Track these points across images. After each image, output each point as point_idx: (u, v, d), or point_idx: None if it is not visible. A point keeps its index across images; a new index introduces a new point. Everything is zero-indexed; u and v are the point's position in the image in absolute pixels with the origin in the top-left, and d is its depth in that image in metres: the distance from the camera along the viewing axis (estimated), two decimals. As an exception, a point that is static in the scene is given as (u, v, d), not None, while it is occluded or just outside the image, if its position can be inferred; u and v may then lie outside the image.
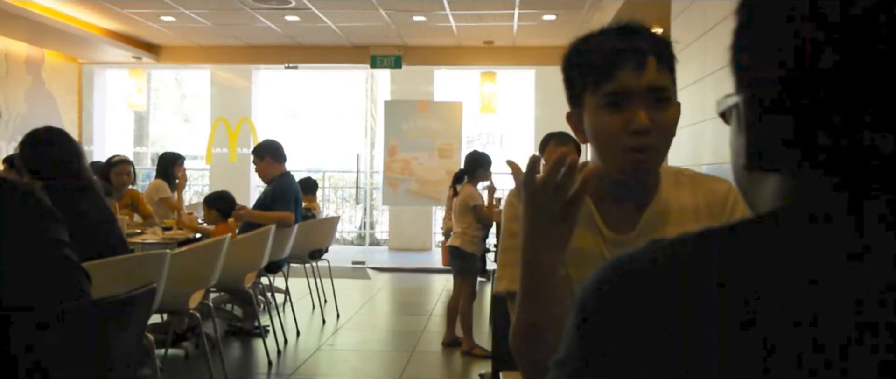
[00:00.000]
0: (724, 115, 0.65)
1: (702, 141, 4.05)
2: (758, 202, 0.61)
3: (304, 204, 5.90)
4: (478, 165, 4.96)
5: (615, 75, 1.15)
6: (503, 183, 5.90)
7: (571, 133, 1.27)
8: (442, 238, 7.82)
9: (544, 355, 1.07)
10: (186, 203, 6.88)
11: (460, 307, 4.89)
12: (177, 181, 6.26)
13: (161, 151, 6.85)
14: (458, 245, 4.84)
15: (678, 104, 1.19)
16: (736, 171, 0.63)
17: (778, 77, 0.54)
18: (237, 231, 4.99)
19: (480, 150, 5.19)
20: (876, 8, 0.50)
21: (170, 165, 6.23)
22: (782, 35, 0.54)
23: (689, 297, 0.50)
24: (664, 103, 1.16)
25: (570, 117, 1.25)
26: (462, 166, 5.26)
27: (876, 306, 0.46)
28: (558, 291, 1.08)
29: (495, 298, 2.13)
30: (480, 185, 5.02)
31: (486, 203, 4.91)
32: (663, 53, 1.17)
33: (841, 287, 0.47)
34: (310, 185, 7.00)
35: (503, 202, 1.40)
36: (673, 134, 1.19)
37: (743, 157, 0.59)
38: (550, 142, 3.70)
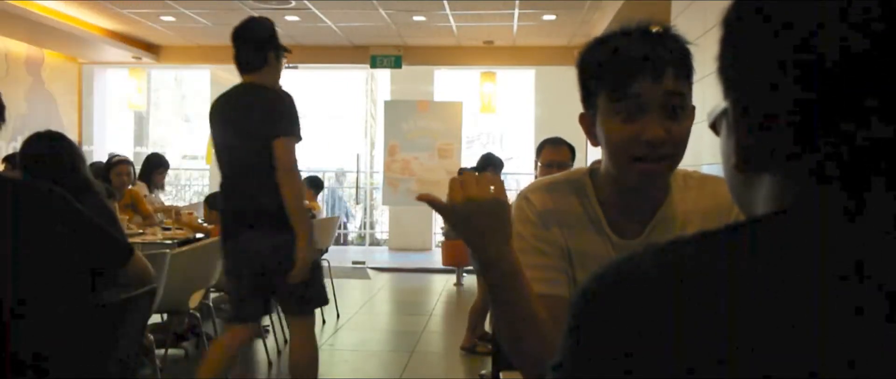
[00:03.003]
0: (714, 127, 0.65)
1: (702, 141, 4.05)
2: (749, 204, 0.61)
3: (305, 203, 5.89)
4: (498, 168, 5.34)
5: (631, 84, 1.12)
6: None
7: (583, 133, 1.25)
8: (442, 238, 7.82)
9: (529, 350, 1.10)
10: (186, 203, 6.87)
11: (473, 304, 4.93)
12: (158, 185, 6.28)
13: (160, 152, 6.85)
14: None
15: (693, 108, 1.17)
16: (727, 173, 0.63)
17: (766, 78, 0.54)
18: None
19: (480, 149, 5.31)
20: (863, 7, 0.50)
21: (152, 169, 6.25)
22: (769, 37, 0.54)
23: (680, 300, 0.50)
24: (680, 113, 1.13)
25: (582, 119, 1.24)
26: (462, 165, 5.41)
27: (874, 308, 0.46)
28: (524, 288, 1.09)
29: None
30: None
31: None
32: (683, 62, 1.14)
33: (839, 290, 0.47)
34: (316, 184, 6.99)
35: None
36: (686, 144, 1.16)
37: (733, 158, 0.59)
38: (545, 147, 3.70)
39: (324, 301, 3.11)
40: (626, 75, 1.12)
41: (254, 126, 2.91)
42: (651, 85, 1.11)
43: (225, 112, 3.04)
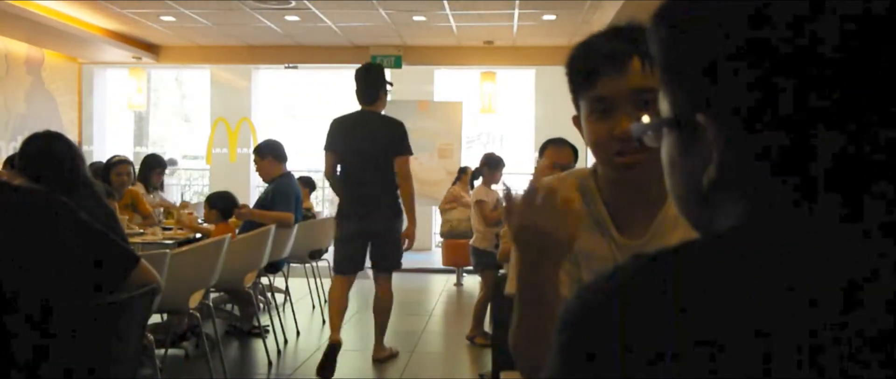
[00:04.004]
0: (643, 137, 0.64)
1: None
2: (713, 223, 0.59)
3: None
4: (493, 167, 5.31)
5: (596, 82, 1.15)
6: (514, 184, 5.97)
7: (577, 136, 1.27)
8: (442, 238, 7.82)
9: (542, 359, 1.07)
10: (187, 201, 6.87)
11: (477, 299, 5.05)
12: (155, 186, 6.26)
13: (160, 152, 6.84)
14: (471, 243, 5.04)
15: None
16: (689, 192, 0.60)
17: (750, 94, 0.53)
18: (237, 231, 4.99)
19: (480, 149, 5.34)
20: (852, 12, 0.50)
21: (150, 170, 6.23)
22: (744, 47, 0.53)
23: (649, 315, 0.50)
24: (652, 105, 1.12)
25: (575, 121, 1.25)
26: (462, 165, 5.45)
27: (830, 326, 0.46)
28: (556, 302, 1.05)
29: (497, 294, 2.14)
30: (496, 187, 5.21)
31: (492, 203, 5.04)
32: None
33: (806, 307, 0.47)
34: (309, 184, 6.99)
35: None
36: None
37: (712, 176, 0.56)
38: (548, 147, 3.70)
39: (399, 266, 4.54)
40: (592, 75, 1.15)
41: (381, 145, 4.33)
42: (616, 81, 1.13)
43: (356, 130, 4.35)
